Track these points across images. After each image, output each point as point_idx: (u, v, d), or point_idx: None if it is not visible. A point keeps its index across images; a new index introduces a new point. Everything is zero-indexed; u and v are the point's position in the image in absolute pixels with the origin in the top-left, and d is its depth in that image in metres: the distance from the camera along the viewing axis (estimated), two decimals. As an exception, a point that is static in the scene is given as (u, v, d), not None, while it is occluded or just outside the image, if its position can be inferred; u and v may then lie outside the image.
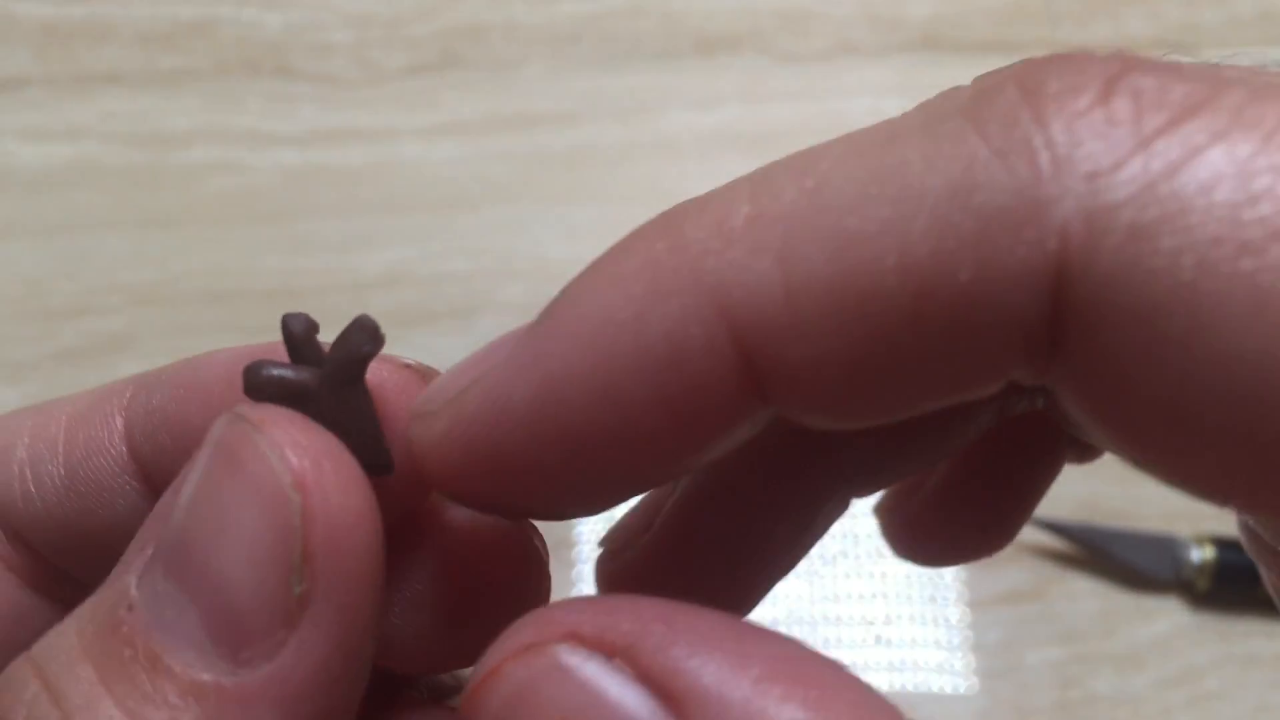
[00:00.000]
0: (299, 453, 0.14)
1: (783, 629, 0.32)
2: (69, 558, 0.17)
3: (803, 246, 0.13)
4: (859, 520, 0.20)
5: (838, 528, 0.19)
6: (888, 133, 0.13)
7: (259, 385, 0.15)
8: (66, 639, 0.14)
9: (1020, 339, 0.13)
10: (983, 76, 0.13)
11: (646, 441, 0.14)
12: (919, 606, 0.41)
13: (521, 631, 0.13)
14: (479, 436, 0.14)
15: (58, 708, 0.13)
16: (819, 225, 0.13)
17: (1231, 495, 0.13)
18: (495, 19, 0.50)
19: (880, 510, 0.21)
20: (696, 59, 0.50)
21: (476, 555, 0.17)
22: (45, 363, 0.44)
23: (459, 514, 0.17)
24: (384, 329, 0.15)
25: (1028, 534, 0.41)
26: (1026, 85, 0.13)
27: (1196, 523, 0.42)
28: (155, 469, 0.16)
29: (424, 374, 0.16)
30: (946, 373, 0.13)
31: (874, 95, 0.49)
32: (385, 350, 0.16)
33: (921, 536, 0.21)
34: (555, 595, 0.16)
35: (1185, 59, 0.13)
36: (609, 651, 0.13)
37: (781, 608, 0.41)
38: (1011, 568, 0.42)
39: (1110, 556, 0.41)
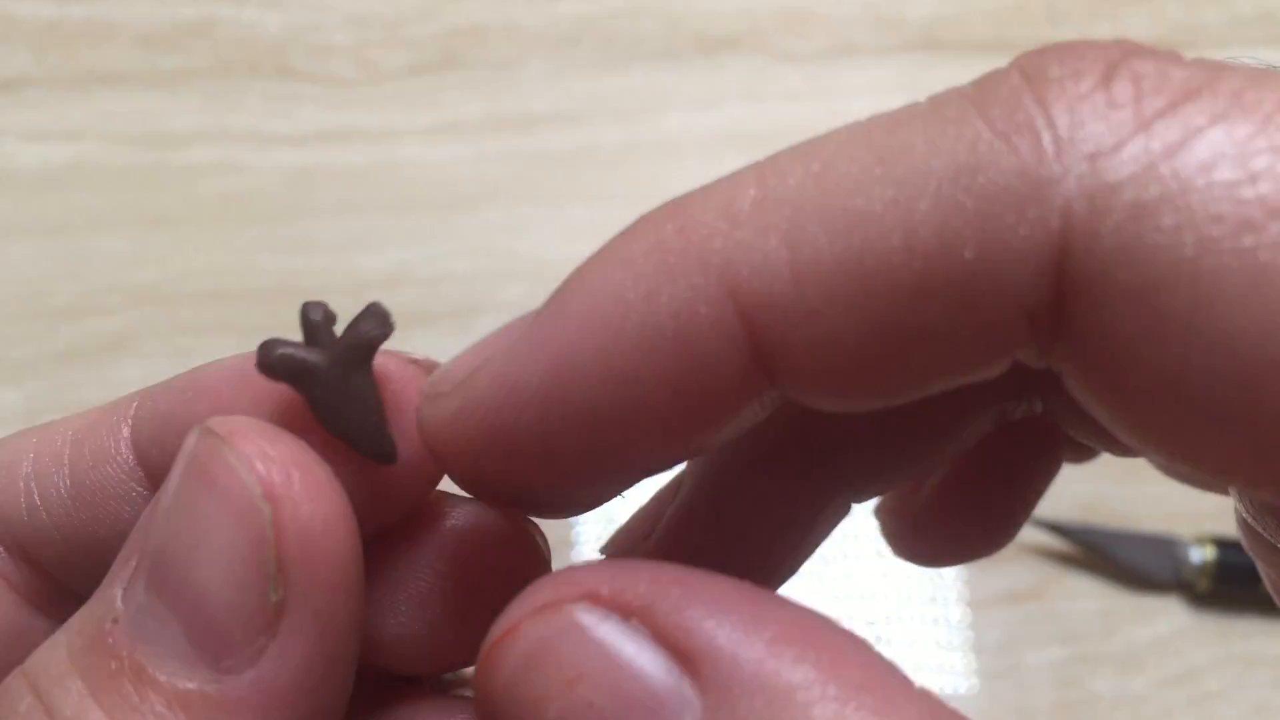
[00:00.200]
0: (267, 464, 0.14)
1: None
2: (74, 571, 0.17)
3: (809, 227, 0.13)
4: (859, 520, 0.20)
5: (838, 528, 0.19)
6: (892, 120, 0.13)
7: (270, 363, 0.15)
8: (57, 653, 0.14)
9: (1024, 317, 0.13)
10: (986, 73, 0.13)
11: (655, 421, 0.14)
12: (919, 606, 0.41)
13: (539, 591, 0.14)
14: (489, 417, 0.14)
15: (50, 718, 0.13)
16: (825, 206, 0.13)
17: (1233, 473, 0.13)
18: (495, 19, 0.50)
19: (880, 511, 0.21)
20: (696, 59, 0.50)
21: (479, 554, 0.17)
22: (45, 363, 0.44)
23: (461, 513, 0.17)
24: (385, 353, 0.16)
25: (1028, 534, 0.41)
26: (1028, 71, 0.13)
27: (1196, 523, 0.42)
28: (163, 472, 0.17)
29: (429, 368, 0.16)
30: (952, 352, 0.13)
31: (874, 95, 0.49)
32: (385, 349, 0.16)
33: (921, 537, 0.21)
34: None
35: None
36: (625, 612, 0.13)
37: (781, 608, 0.41)
38: (1011, 568, 0.42)
39: (1110, 556, 0.41)
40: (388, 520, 0.16)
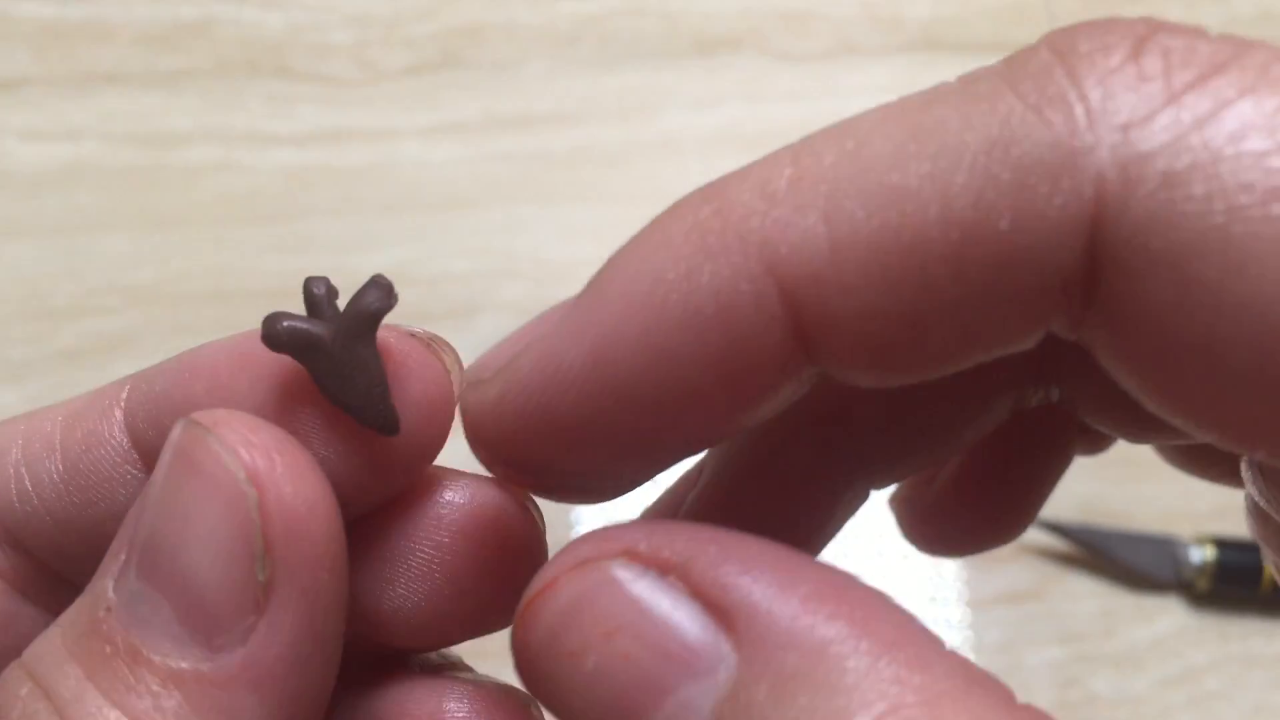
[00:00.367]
0: (251, 450, 0.14)
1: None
2: (66, 557, 0.17)
3: (846, 203, 0.13)
4: (859, 521, 0.20)
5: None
6: (925, 98, 0.14)
7: (274, 335, 0.15)
8: (52, 642, 0.14)
9: (1058, 286, 0.13)
10: (1015, 52, 0.14)
11: (696, 401, 0.14)
12: (919, 606, 0.41)
13: (578, 548, 0.14)
14: (533, 401, 0.15)
15: (49, 702, 0.14)
16: (862, 182, 0.13)
17: (1259, 440, 0.13)
18: (495, 19, 0.51)
19: (895, 501, 0.21)
20: (696, 59, 0.50)
21: (475, 528, 0.17)
22: (45, 363, 0.44)
23: (458, 488, 0.17)
24: (386, 327, 0.16)
25: (1028, 534, 0.41)
26: (1059, 47, 0.13)
27: (1196, 523, 0.42)
28: (159, 454, 0.17)
29: (430, 342, 0.16)
30: (988, 323, 0.13)
31: (874, 95, 0.49)
32: (387, 322, 0.16)
33: (934, 527, 0.21)
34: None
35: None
36: (663, 569, 0.13)
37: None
38: (1011, 568, 0.42)
39: (1110, 556, 0.41)
40: (388, 492, 0.17)
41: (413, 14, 0.50)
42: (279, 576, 0.14)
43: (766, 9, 0.51)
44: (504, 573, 0.17)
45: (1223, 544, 0.41)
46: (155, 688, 0.14)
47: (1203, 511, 0.42)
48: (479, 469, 0.17)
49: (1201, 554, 0.41)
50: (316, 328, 0.15)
